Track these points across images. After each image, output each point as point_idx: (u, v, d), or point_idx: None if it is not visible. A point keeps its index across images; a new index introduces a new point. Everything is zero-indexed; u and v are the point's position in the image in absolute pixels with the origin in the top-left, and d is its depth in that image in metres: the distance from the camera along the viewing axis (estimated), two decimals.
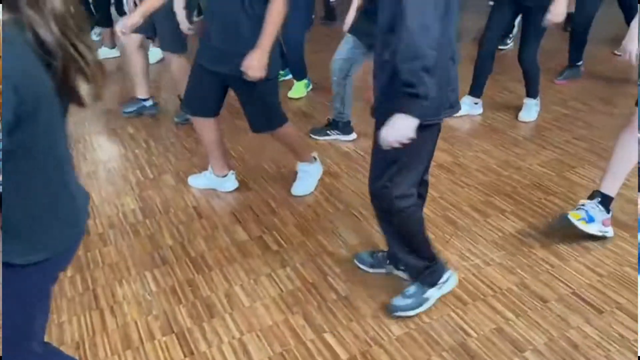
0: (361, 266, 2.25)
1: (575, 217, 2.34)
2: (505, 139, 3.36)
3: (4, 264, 1.13)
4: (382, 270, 2.21)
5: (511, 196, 2.77)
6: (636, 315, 1.98)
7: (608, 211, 2.38)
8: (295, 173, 2.90)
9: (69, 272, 2.29)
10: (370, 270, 2.23)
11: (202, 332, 1.97)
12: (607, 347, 1.86)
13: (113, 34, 4.94)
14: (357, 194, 2.82)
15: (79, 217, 1.28)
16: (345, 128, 3.40)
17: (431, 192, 2.81)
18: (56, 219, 1.20)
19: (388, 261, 2.19)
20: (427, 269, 1.99)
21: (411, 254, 1.97)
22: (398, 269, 2.17)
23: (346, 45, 3.12)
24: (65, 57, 1.05)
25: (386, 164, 1.82)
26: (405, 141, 1.65)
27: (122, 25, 2.65)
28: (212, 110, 2.62)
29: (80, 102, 1.12)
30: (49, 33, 1.02)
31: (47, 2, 1.02)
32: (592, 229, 2.34)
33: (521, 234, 2.47)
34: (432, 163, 3.10)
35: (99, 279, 2.26)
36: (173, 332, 1.97)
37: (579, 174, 2.96)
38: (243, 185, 2.91)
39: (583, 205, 2.39)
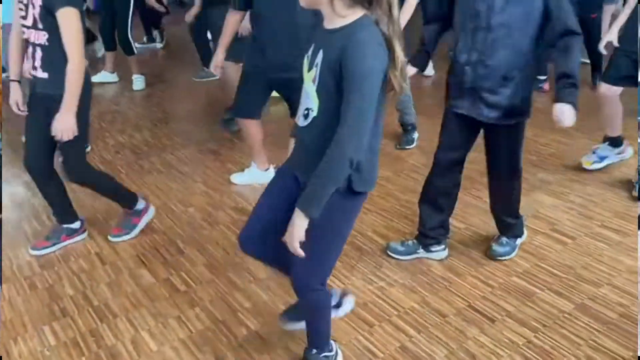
0: (395, 255, 2.56)
1: (587, 164, 3.33)
2: (404, 166, 3.56)
3: (347, 189, 1.53)
4: (414, 256, 2.55)
5: (411, 219, 2.92)
6: (522, 320, 2.16)
7: (620, 145, 3.35)
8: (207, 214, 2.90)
9: None
10: (405, 257, 2.55)
11: None
12: (500, 353, 2.01)
13: (115, 59, 5.23)
14: None
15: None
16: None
17: None
18: (375, 164, 1.61)
19: (420, 246, 2.55)
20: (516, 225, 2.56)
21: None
22: (428, 250, 2.55)
23: None
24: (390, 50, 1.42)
25: None
26: None
27: (214, 67, 3.06)
28: (260, 112, 3.11)
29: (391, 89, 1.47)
30: (386, 29, 1.42)
31: (390, 7, 1.42)
32: (605, 162, 3.33)
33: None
34: None
35: None
36: None
37: (472, 194, 3.19)
38: (148, 227, 2.85)
39: (595, 150, 3.35)
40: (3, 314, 2.25)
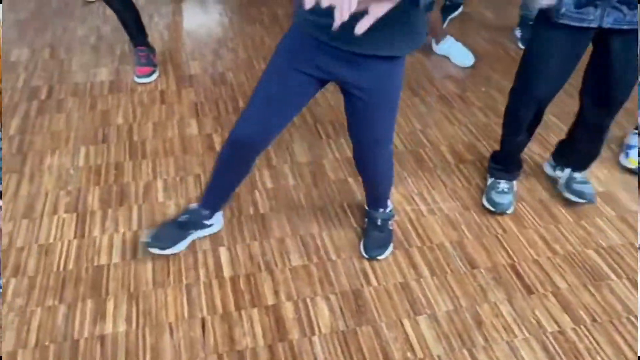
0: None
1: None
2: None
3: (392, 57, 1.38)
4: None
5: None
6: (569, 306, 1.70)
7: None
8: None
9: None
10: None
11: (103, 218, 1.92)
12: (516, 332, 1.62)
13: None
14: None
15: None
16: None
17: (416, 124, 2.52)
18: None
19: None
20: None
21: None
22: None
23: None
24: None
25: None
26: None
27: None
28: None
29: None
30: None
31: None
32: None
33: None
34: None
35: (35, 143, 2.25)
36: (76, 211, 1.94)
37: None
38: (125, 73, 2.74)
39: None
40: (57, 125, 2.37)
